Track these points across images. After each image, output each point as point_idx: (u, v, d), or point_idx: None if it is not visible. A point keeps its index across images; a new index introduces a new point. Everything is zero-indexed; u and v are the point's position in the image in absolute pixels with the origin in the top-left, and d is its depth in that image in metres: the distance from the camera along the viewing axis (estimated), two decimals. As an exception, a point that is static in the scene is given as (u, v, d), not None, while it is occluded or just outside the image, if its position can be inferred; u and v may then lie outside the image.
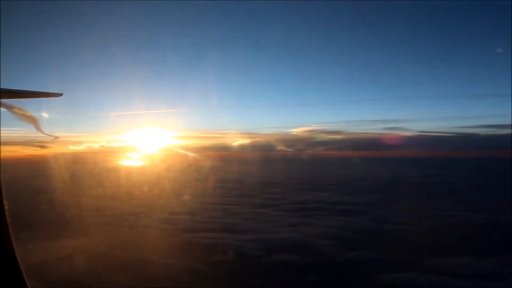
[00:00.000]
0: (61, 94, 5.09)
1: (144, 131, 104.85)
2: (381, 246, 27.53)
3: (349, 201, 47.16)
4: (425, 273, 22.80)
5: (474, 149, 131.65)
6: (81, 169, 58.74)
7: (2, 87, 4.26)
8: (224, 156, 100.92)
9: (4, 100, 4.55)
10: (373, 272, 22.66)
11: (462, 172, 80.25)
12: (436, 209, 41.20)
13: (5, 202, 3.83)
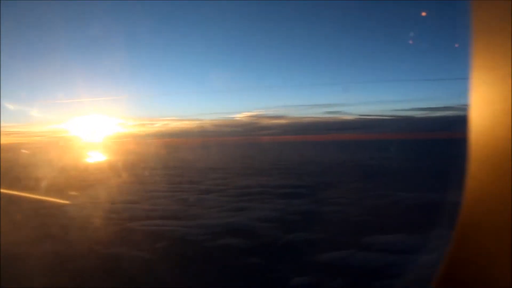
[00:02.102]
0: None
1: (86, 119, 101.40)
2: (321, 227, 28.56)
3: (292, 185, 48.33)
4: (361, 250, 24.01)
5: (410, 131, 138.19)
6: (16, 160, 56.23)
7: None
8: (168, 143, 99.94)
9: None
10: (313, 252, 23.58)
11: (399, 154, 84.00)
12: (374, 190, 43.11)
13: None
